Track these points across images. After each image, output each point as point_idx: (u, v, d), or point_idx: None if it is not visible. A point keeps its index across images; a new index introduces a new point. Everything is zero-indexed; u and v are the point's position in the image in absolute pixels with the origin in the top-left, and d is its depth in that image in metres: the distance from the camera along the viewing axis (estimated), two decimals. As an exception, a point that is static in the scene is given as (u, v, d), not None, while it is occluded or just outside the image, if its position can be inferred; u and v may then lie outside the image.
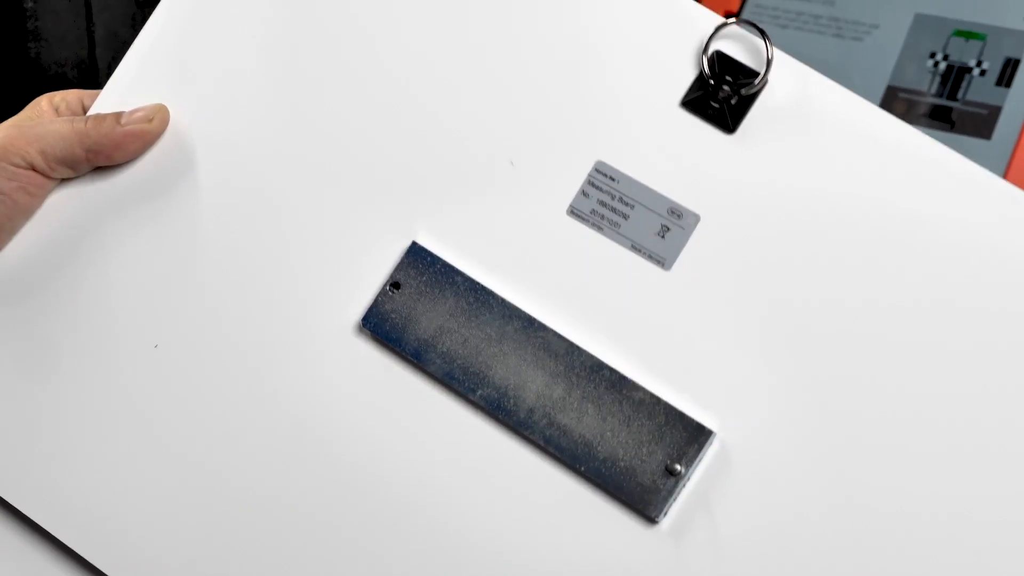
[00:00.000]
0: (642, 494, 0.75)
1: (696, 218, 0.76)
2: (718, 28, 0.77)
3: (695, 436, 0.74)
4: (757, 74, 0.77)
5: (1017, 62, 0.96)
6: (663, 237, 0.77)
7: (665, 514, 0.74)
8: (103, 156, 0.82)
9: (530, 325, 0.77)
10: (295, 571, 0.77)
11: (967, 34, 0.96)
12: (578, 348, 0.76)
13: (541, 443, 0.76)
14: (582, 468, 0.75)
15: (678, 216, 0.76)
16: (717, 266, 0.76)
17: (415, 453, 0.77)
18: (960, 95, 0.96)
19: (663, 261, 0.76)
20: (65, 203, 0.83)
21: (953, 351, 0.73)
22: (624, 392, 0.76)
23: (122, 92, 0.84)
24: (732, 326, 0.75)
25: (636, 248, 0.77)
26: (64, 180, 0.83)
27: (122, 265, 0.82)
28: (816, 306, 0.75)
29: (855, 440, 0.73)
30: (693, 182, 0.76)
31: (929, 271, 0.74)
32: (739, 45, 0.78)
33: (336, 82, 0.81)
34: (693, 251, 0.76)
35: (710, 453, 0.74)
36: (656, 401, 0.75)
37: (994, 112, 0.95)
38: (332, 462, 0.78)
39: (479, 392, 0.77)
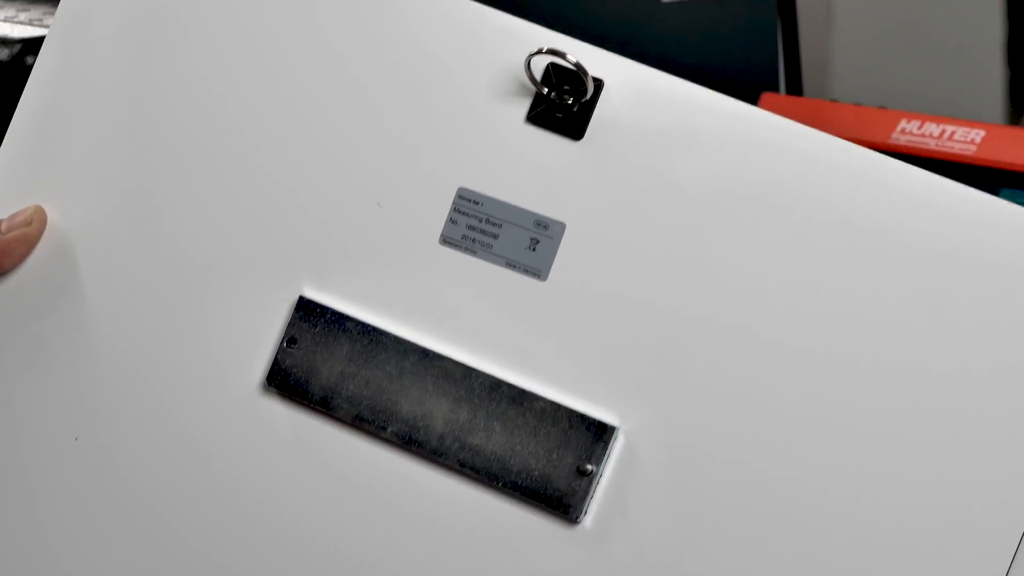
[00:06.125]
0: (560, 498, 0.77)
1: (562, 226, 0.78)
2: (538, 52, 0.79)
3: (599, 434, 0.77)
4: (593, 80, 0.79)
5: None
6: (534, 250, 0.79)
7: (585, 513, 0.77)
8: None
9: (425, 356, 0.79)
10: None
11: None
12: (475, 370, 0.79)
13: (457, 467, 0.78)
14: (499, 484, 0.78)
15: (545, 227, 0.79)
16: (590, 268, 0.78)
17: (337, 501, 0.79)
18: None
19: (539, 272, 0.79)
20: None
21: (835, 320, 0.76)
22: (525, 405, 0.78)
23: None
24: (614, 323, 0.78)
25: (511, 265, 0.79)
26: None
27: (27, 367, 0.84)
28: (691, 292, 0.77)
29: (749, 418, 0.76)
30: (552, 192, 0.79)
31: (798, 240, 0.76)
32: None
33: (199, 154, 0.83)
34: (565, 258, 0.78)
35: (616, 448, 0.77)
36: (557, 408, 0.78)
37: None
38: (258, 522, 0.80)
39: (390, 429, 0.79)
